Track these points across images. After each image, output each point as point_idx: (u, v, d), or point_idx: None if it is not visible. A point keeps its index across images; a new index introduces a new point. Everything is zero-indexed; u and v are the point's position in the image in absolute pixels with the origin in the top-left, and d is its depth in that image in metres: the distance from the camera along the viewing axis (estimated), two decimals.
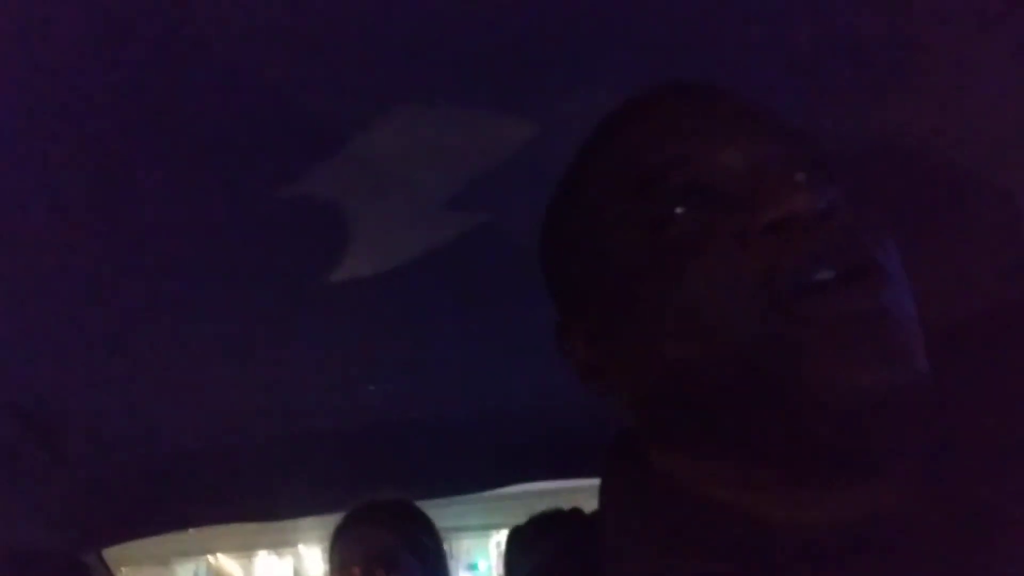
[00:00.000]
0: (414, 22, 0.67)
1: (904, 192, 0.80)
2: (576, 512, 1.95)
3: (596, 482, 0.60)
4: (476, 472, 1.62)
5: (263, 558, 7.74)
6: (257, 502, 1.57)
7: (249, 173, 0.82)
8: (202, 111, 0.73)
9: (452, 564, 1.76)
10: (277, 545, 7.45)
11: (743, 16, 0.71)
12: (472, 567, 7.39)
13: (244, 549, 7.46)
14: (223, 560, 7.56)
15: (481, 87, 0.75)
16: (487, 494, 1.74)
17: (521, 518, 1.56)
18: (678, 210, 0.50)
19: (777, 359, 0.45)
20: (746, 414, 0.47)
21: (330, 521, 1.65)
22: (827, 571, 0.45)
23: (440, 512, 1.67)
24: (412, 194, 0.90)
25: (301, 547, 7.35)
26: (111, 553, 1.64)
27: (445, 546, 1.67)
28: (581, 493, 0.96)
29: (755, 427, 0.47)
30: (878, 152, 0.79)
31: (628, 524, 0.55)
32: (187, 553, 7.28)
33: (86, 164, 0.78)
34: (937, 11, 0.71)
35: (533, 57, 0.72)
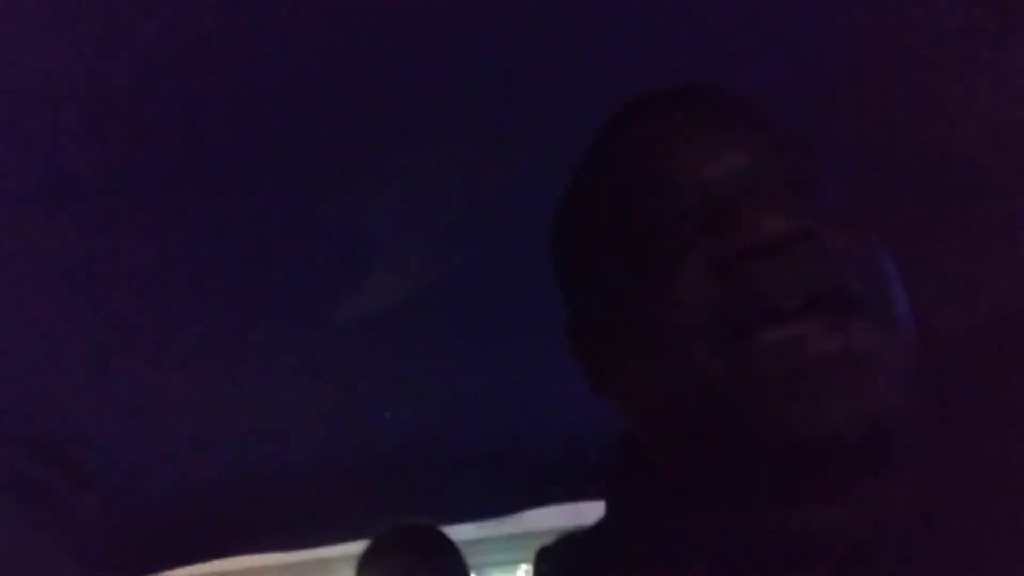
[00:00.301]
0: (419, 34, 0.68)
1: (904, 196, 0.80)
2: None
3: None
4: (497, 495, 1.61)
5: None
6: (282, 531, 1.57)
7: (259, 196, 0.84)
8: (210, 127, 0.74)
9: None
10: None
11: (742, 16, 0.71)
12: None
13: None
14: None
15: (484, 105, 0.76)
16: (515, 530, 1.71)
17: None
18: (662, 229, 0.50)
19: (736, 391, 0.45)
20: (713, 440, 0.48)
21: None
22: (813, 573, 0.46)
23: (467, 549, 1.67)
24: (422, 217, 0.91)
25: None
26: None
27: None
28: None
29: (723, 452, 0.48)
30: (878, 155, 0.79)
31: (631, 527, 0.56)
32: None
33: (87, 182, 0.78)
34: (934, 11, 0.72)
35: (535, 70, 0.73)
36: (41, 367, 1.03)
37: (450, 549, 1.63)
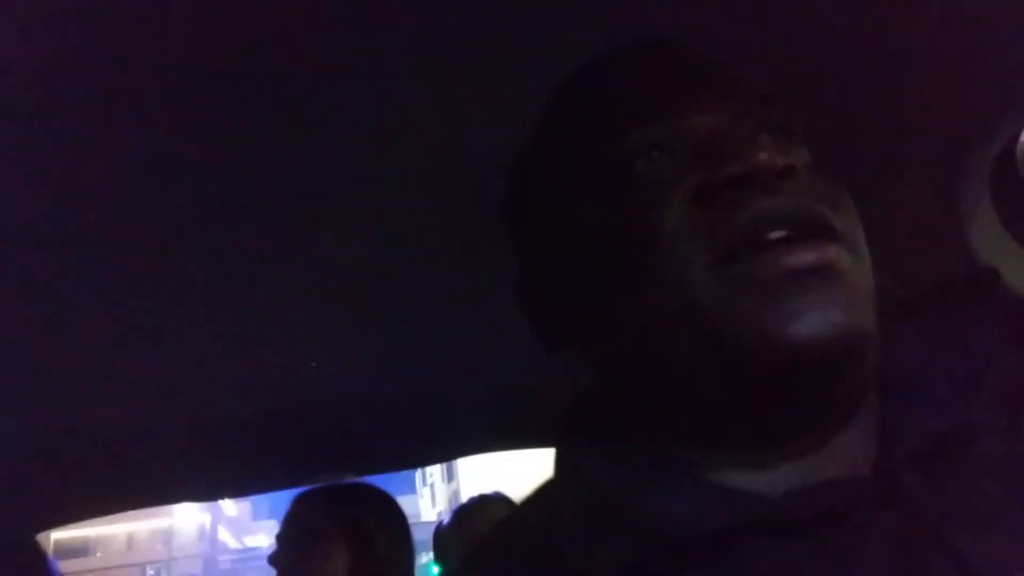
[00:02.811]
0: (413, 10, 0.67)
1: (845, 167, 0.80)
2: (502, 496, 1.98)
3: None
4: (419, 446, 1.61)
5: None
6: (191, 484, 1.56)
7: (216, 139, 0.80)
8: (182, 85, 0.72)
9: None
10: None
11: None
12: None
13: None
14: None
15: (469, 71, 0.75)
16: None
17: None
18: (639, 165, 0.50)
19: (720, 307, 0.46)
20: (697, 372, 0.47)
21: None
22: (788, 538, 0.46)
23: None
24: (375, 175, 0.89)
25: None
26: None
27: None
28: None
29: (707, 385, 0.48)
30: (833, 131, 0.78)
31: (584, 482, 0.54)
32: None
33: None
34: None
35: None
36: None
37: (394, 506, 1.62)
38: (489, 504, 1.92)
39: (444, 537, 1.93)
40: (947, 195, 0.84)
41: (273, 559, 1.55)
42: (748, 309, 0.45)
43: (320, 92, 0.76)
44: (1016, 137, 0.83)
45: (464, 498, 2.18)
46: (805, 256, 0.45)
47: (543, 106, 0.60)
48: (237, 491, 1.72)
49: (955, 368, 0.51)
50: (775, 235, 0.46)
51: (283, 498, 1.64)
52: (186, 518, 28.74)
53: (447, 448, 1.62)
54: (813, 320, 0.44)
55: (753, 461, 0.48)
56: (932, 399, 0.50)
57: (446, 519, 1.98)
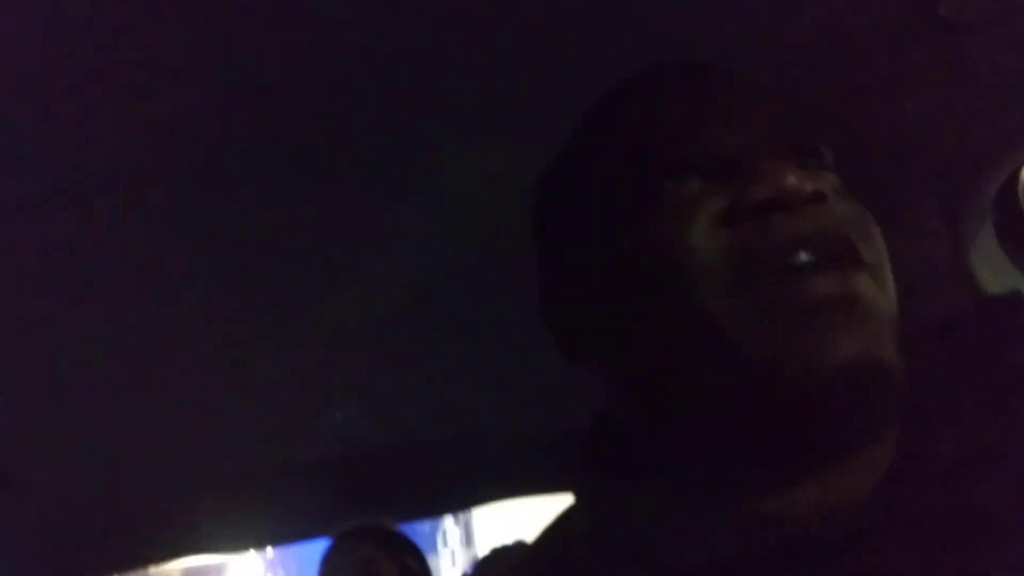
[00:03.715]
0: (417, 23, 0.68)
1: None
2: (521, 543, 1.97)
3: None
4: (452, 492, 1.61)
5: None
6: (229, 535, 1.55)
7: (236, 180, 0.82)
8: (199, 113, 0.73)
9: None
10: None
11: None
12: None
13: None
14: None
15: (481, 92, 0.76)
16: None
17: None
18: (667, 185, 0.50)
19: (743, 338, 0.46)
20: (715, 395, 0.48)
21: None
22: (807, 561, 0.46)
23: None
24: (398, 214, 0.90)
25: None
26: None
27: None
28: None
29: (725, 409, 0.48)
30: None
31: (606, 515, 0.54)
32: None
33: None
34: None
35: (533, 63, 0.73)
36: None
37: (411, 547, 1.63)
38: (508, 554, 1.92)
39: None
40: (949, 224, 0.85)
41: None
42: (771, 336, 0.45)
43: (352, 140, 0.78)
44: (1020, 166, 0.84)
45: None
46: (830, 285, 0.45)
47: (570, 127, 0.61)
48: (257, 543, 1.71)
49: (982, 390, 0.51)
50: (801, 259, 0.46)
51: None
52: None
53: (481, 494, 1.62)
54: (836, 350, 0.44)
55: (772, 485, 0.48)
56: (956, 421, 0.50)
57: (469, 571, 1.98)
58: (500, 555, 1.95)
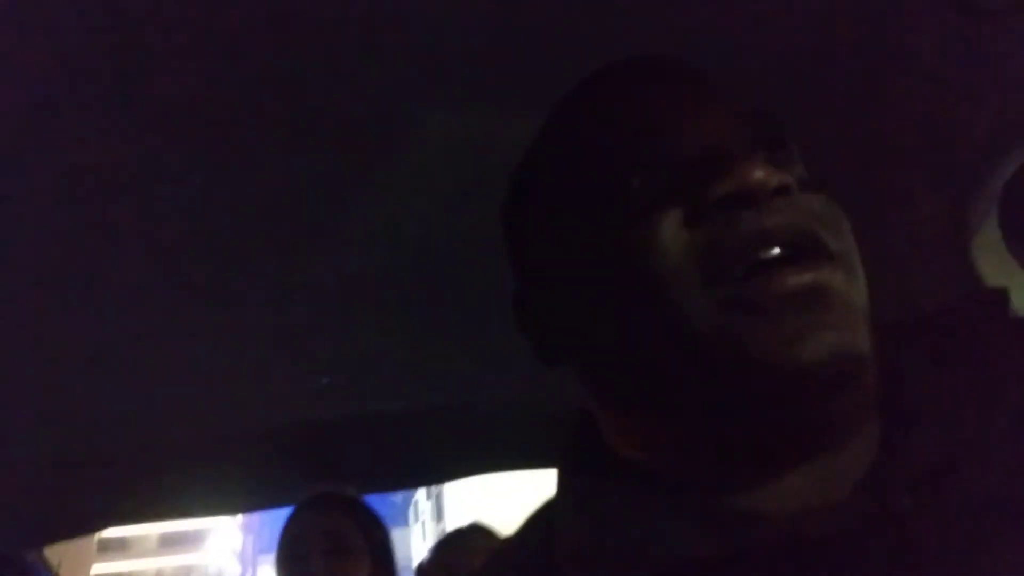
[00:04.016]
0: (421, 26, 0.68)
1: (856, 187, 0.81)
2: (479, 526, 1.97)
3: None
4: (421, 466, 1.62)
5: None
6: (204, 499, 1.55)
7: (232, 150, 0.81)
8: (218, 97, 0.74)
9: None
10: None
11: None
12: None
13: None
14: None
15: (477, 89, 0.76)
16: None
17: None
18: (634, 183, 0.50)
19: (715, 335, 0.46)
20: (690, 393, 0.48)
21: None
22: (784, 560, 0.46)
23: None
24: (390, 188, 0.90)
25: None
26: None
27: None
28: None
29: (701, 406, 0.48)
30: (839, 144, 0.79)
31: (585, 503, 0.54)
32: None
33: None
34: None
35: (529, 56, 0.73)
36: None
37: (374, 516, 1.63)
38: (468, 536, 1.91)
39: (427, 572, 1.92)
40: (953, 218, 0.85)
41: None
42: (743, 332, 0.45)
43: (337, 108, 0.77)
44: None
45: None
46: (799, 278, 0.45)
47: (541, 121, 0.60)
48: (232, 508, 1.70)
49: (962, 392, 0.50)
50: (768, 254, 0.46)
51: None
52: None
53: (455, 466, 1.62)
54: (809, 342, 0.44)
55: (750, 483, 0.48)
56: (935, 422, 0.49)
57: (426, 556, 1.97)
58: (461, 538, 1.93)
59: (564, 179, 0.55)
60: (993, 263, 0.85)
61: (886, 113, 0.83)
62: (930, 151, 0.85)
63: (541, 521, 0.58)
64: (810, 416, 0.46)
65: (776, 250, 0.46)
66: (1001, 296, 0.56)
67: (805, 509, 0.47)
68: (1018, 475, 0.47)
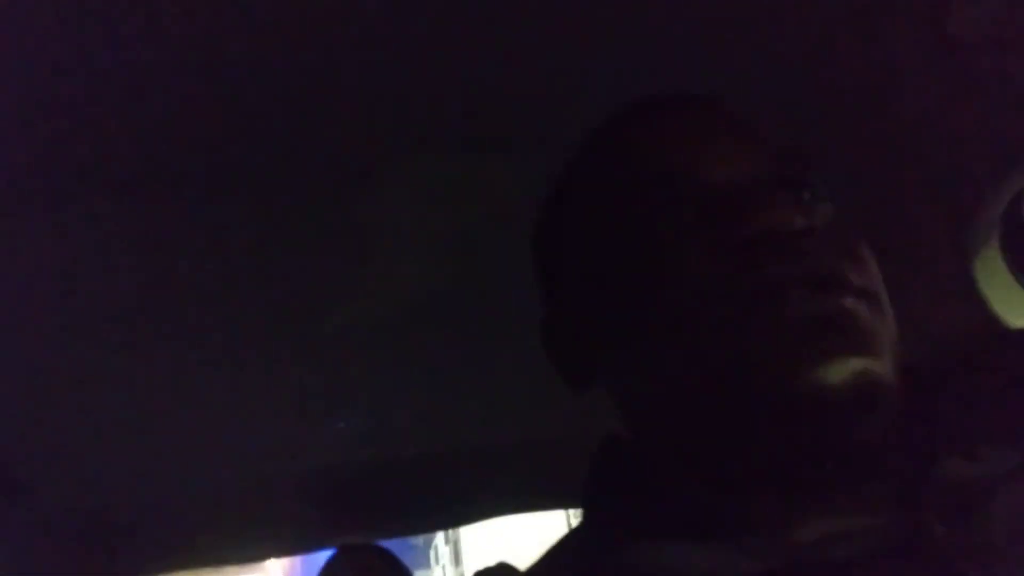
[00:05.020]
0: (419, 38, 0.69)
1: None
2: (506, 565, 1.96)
3: None
4: (448, 508, 1.61)
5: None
6: (222, 547, 1.55)
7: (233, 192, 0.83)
8: (207, 130, 0.74)
9: None
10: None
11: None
12: None
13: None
14: None
15: (477, 114, 0.77)
16: None
17: None
18: (661, 217, 0.51)
19: (739, 356, 0.46)
20: (715, 419, 0.48)
21: None
22: None
23: None
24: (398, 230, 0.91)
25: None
26: None
27: None
28: None
29: (727, 432, 0.48)
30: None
31: (610, 531, 0.54)
32: None
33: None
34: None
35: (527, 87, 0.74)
36: None
37: (403, 565, 1.63)
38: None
39: None
40: (955, 240, 0.86)
41: None
42: (767, 356, 0.45)
43: (343, 148, 0.79)
44: None
45: None
46: (823, 305, 0.46)
47: (571, 152, 0.62)
48: (259, 556, 1.70)
49: (992, 424, 0.51)
50: (791, 296, 0.46)
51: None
52: None
53: (476, 508, 1.61)
54: (832, 367, 0.44)
55: (778, 510, 0.48)
56: (966, 453, 0.49)
57: None
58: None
59: (593, 207, 0.57)
60: (996, 286, 0.86)
61: (884, 137, 0.85)
62: (930, 174, 0.86)
63: (565, 551, 0.58)
64: (833, 439, 0.46)
65: (798, 293, 0.46)
66: None
67: (837, 534, 0.47)
68: None
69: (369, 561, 1.55)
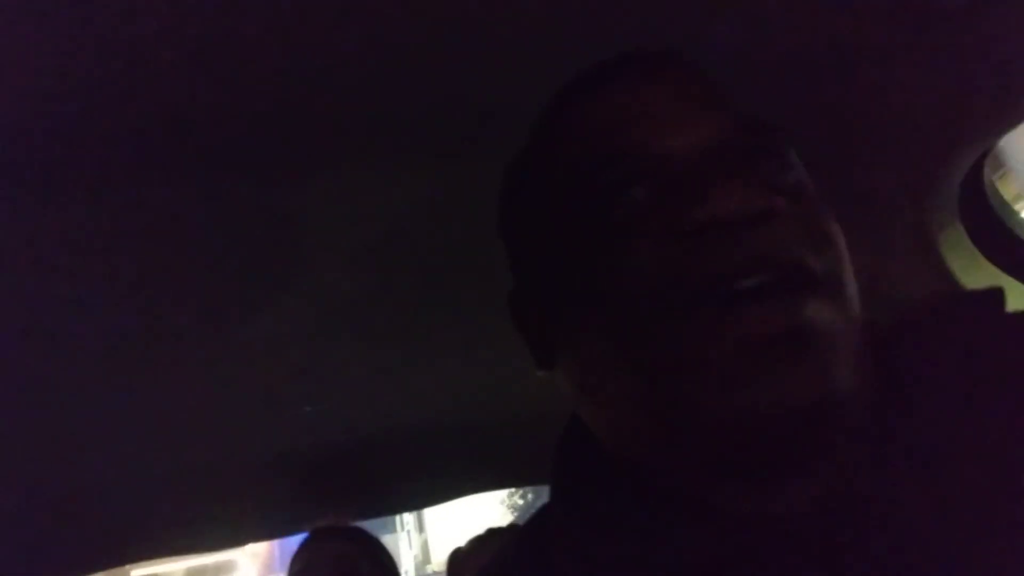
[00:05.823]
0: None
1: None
2: (514, 525, 2.00)
3: None
4: (417, 489, 1.62)
5: None
6: (193, 533, 1.54)
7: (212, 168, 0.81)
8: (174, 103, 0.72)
9: None
10: None
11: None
12: None
13: None
14: None
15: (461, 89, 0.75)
16: None
17: None
18: (621, 196, 0.49)
19: (681, 364, 0.45)
20: (663, 413, 0.47)
21: None
22: (778, 556, 0.45)
23: None
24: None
25: None
26: None
27: None
28: None
29: (673, 427, 0.47)
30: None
31: (579, 510, 0.54)
32: None
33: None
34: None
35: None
36: None
37: (381, 546, 1.66)
38: (502, 536, 1.96)
39: (460, 561, 1.97)
40: (918, 215, 0.86)
41: None
42: (711, 369, 0.44)
43: (320, 114, 0.76)
44: (982, 158, 0.85)
45: (433, 548, 2.18)
46: (775, 321, 0.43)
47: (532, 121, 0.59)
48: (237, 540, 1.69)
49: (960, 386, 0.49)
50: (746, 284, 0.44)
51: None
52: None
53: (449, 488, 1.62)
54: (779, 390, 0.43)
55: (746, 485, 0.47)
56: (933, 416, 0.48)
57: (463, 544, 2.01)
58: (494, 536, 1.97)
59: (552, 180, 0.54)
60: (962, 258, 0.87)
61: (845, 104, 0.84)
62: (890, 142, 0.86)
63: (537, 529, 0.58)
64: (783, 446, 0.45)
65: (754, 279, 0.44)
66: (996, 295, 0.55)
67: (804, 506, 0.46)
68: (1016, 468, 0.46)
69: (341, 543, 1.57)
